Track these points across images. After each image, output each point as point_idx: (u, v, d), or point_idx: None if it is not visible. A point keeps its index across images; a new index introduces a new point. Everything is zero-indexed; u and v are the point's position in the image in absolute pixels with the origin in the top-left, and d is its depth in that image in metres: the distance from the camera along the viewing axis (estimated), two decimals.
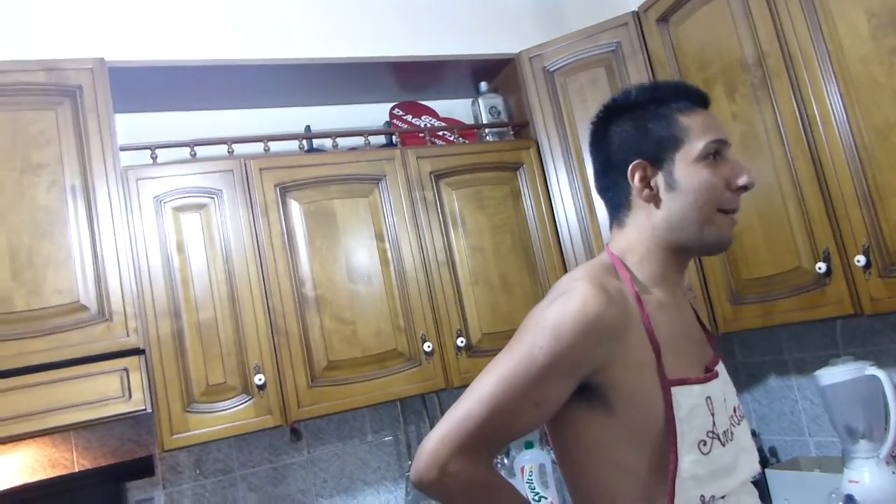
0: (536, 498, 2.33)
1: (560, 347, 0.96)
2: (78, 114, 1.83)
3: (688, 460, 0.98)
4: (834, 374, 1.90)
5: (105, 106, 1.86)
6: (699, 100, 1.11)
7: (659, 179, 1.07)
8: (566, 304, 0.98)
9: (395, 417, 2.33)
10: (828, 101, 1.66)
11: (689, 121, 1.07)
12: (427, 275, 2.10)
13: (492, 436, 0.99)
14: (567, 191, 2.27)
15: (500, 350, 2.09)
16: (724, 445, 1.02)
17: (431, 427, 2.33)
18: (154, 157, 1.96)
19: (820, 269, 1.72)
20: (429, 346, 2.03)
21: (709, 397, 1.03)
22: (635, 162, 1.08)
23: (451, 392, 2.33)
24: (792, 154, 1.77)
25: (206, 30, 2.35)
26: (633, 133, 1.09)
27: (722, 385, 1.09)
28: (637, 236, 1.10)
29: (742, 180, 1.07)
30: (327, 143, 2.26)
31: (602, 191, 1.17)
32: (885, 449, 1.82)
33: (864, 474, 1.85)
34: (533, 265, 2.24)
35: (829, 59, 1.65)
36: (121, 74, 1.95)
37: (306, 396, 1.90)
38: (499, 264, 2.19)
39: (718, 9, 1.92)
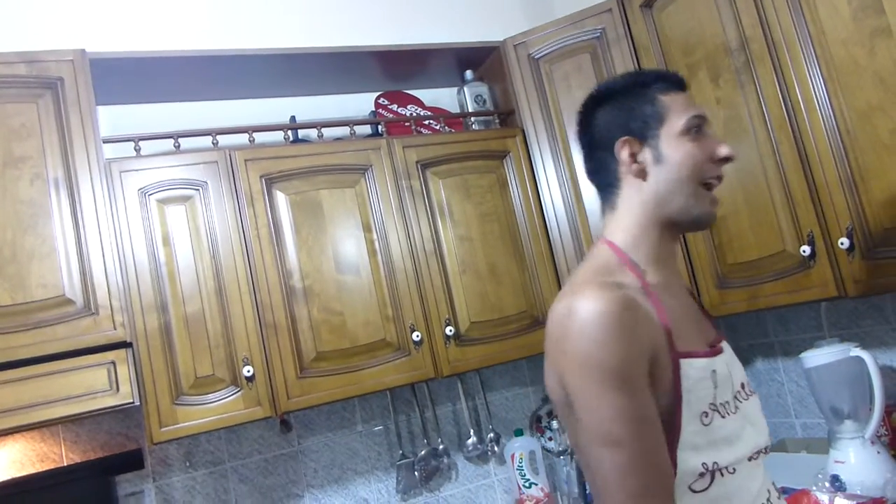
0: (527, 484, 2.34)
1: (617, 358, 0.94)
2: (59, 106, 1.82)
3: (689, 430, 1.00)
4: (819, 357, 1.92)
5: (87, 98, 1.84)
6: (678, 83, 1.16)
7: (646, 154, 1.12)
8: (580, 321, 0.96)
9: (385, 407, 2.33)
10: (810, 85, 1.67)
11: (670, 100, 1.13)
12: (415, 264, 2.10)
13: (658, 476, 0.95)
14: (554, 178, 2.27)
15: (488, 339, 2.12)
16: (723, 417, 1.04)
17: (422, 416, 2.35)
18: (138, 150, 1.95)
19: (804, 252, 1.73)
20: (417, 336, 2.03)
21: (714, 370, 1.05)
22: (622, 138, 1.12)
23: (440, 381, 2.35)
24: (776, 138, 1.78)
25: (190, 20, 2.33)
26: (618, 113, 1.14)
27: (727, 360, 1.12)
28: (629, 215, 1.14)
29: (723, 151, 1.12)
30: (313, 133, 2.25)
31: (591, 174, 1.21)
32: (870, 429, 1.83)
33: (849, 454, 1.87)
34: (521, 253, 2.24)
35: (811, 43, 1.66)
36: (103, 66, 1.93)
37: (295, 387, 1.90)
38: (486, 253, 2.20)
39: None
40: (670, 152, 1.11)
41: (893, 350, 1.97)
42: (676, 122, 1.11)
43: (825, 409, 1.94)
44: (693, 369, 1.03)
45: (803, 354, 1.96)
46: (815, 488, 1.84)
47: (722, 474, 1.02)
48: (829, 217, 1.68)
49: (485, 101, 2.46)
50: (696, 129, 1.12)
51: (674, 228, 1.14)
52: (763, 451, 1.12)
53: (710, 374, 1.05)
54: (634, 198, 1.13)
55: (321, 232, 2.02)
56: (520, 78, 2.32)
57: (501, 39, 2.37)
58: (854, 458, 1.86)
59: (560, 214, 2.26)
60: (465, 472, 2.41)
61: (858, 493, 1.79)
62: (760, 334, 2.40)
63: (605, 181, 1.17)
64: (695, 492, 1.01)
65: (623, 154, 1.12)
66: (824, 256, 1.70)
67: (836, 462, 1.88)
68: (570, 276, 1.13)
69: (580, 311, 0.97)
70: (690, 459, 1.00)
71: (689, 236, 2.09)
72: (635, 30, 2.18)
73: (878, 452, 1.85)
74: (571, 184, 2.25)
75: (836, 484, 1.84)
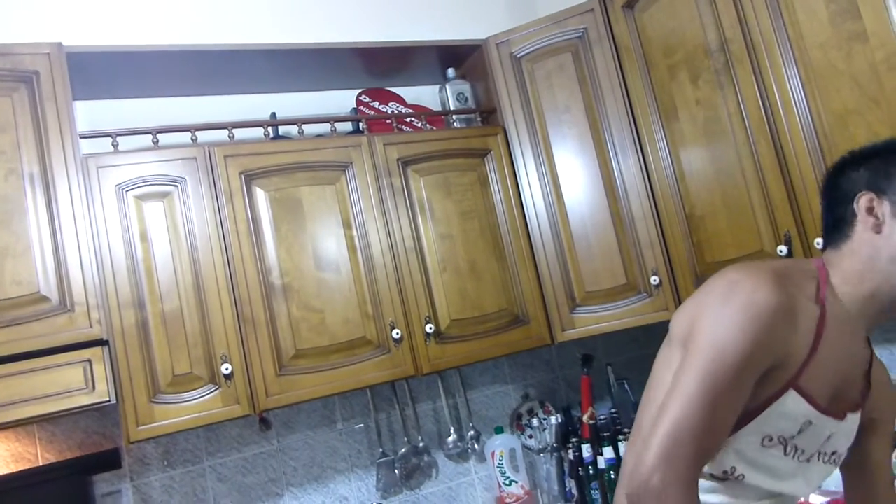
0: (507, 482, 2.35)
1: (747, 347, 0.98)
2: (35, 100, 1.79)
3: (745, 438, 1.04)
4: None
5: (63, 92, 1.82)
6: None
7: (885, 207, 1.07)
8: (735, 302, 1.01)
9: (366, 405, 2.32)
10: (789, 88, 1.69)
11: None
12: (395, 262, 2.10)
13: (708, 448, 1.00)
14: (535, 176, 2.28)
15: (468, 336, 2.13)
16: (785, 455, 1.06)
17: (402, 414, 2.35)
18: (115, 145, 1.93)
19: (781, 252, 1.75)
20: (397, 334, 2.03)
21: (810, 421, 1.06)
22: (865, 192, 1.09)
23: (420, 379, 2.35)
24: (754, 139, 1.80)
25: (169, 14, 2.31)
26: (869, 170, 1.10)
27: (836, 428, 1.11)
28: (851, 259, 1.10)
29: None
30: (293, 130, 2.24)
31: (827, 231, 1.16)
32: None
33: None
34: (501, 251, 2.25)
35: (789, 46, 1.68)
36: (79, 60, 1.91)
37: (274, 385, 1.89)
38: (467, 251, 2.20)
39: None
40: None
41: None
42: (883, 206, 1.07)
43: None
44: (793, 404, 1.04)
45: None
46: None
47: (737, 478, 1.07)
48: (805, 217, 1.70)
49: (467, 100, 2.46)
50: None
51: (883, 303, 1.09)
52: (792, 499, 1.15)
53: (804, 423, 1.06)
54: (865, 248, 1.09)
55: (301, 229, 2.01)
56: (502, 76, 2.32)
57: (484, 38, 2.37)
58: None
59: (541, 213, 2.27)
60: (446, 469, 2.41)
61: (833, 489, 1.81)
62: None
63: (841, 232, 1.12)
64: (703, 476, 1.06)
65: (862, 205, 1.08)
66: (801, 256, 1.72)
67: None
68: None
69: (748, 287, 1.01)
70: (726, 457, 1.05)
71: (669, 236, 2.11)
72: (617, 30, 2.19)
73: None
74: (552, 182, 2.26)
75: None
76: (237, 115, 2.28)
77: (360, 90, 2.45)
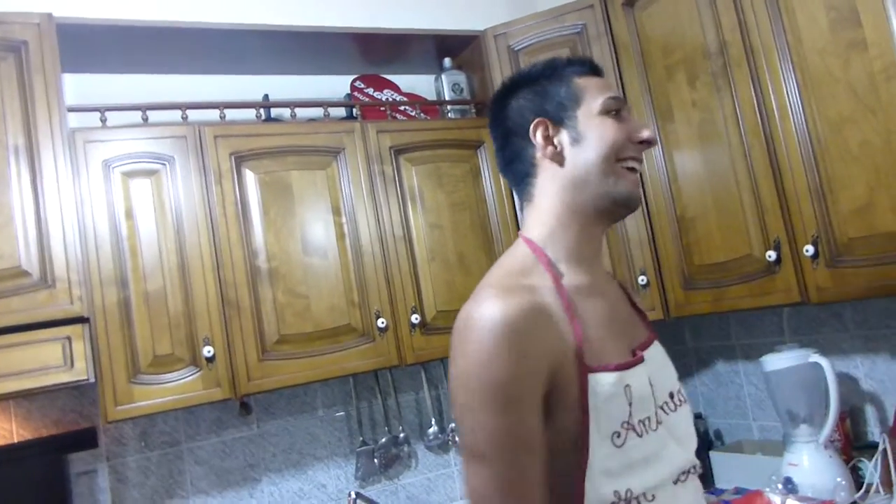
0: None
1: (505, 376, 0.86)
2: (23, 71, 1.75)
3: (601, 454, 0.91)
4: (778, 361, 1.95)
5: (52, 64, 1.78)
6: (593, 68, 1.10)
7: (563, 136, 1.04)
8: (475, 332, 0.88)
9: (347, 393, 2.31)
10: (785, 93, 1.68)
11: (585, 82, 1.07)
12: (383, 250, 2.08)
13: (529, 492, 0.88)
14: None
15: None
16: (640, 436, 0.94)
17: (384, 404, 2.34)
18: (104, 120, 1.89)
19: (770, 257, 1.75)
20: (383, 322, 2.02)
21: (628, 385, 0.95)
22: (536, 120, 1.05)
23: (403, 369, 2.34)
24: (748, 143, 1.79)
25: None
26: (533, 97, 1.07)
27: (651, 370, 1.02)
28: (547, 206, 1.05)
29: (644, 134, 1.05)
30: (285, 113, 2.21)
31: (506, 166, 1.12)
32: (824, 434, 1.87)
33: (803, 458, 1.90)
34: (490, 244, 2.24)
35: (788, 51, 1.67)
36: (70, 31, 1.87)
37: (256, 370, 1.87)
38: (456, 242, 2.18)
39: None
40: (588, 131, 1.03)
41: (850, 357, 2.01)
42: (593, 102, 1.04)
43: (782, 412, 1.97)
44: (602, 386, 0.92)
45: (763, 358, 1.99)
46: (768, 489, 1.88)
47: (639, 502, 0.93)
48: (796, 224, 1.70)
49: (462, 90, 2.44)
50: (615, 112, 1.05)
51: (596, 217, 1.05)
52: (690, 470, 1.02)
53: (622, 391, 0.94)
54: (551, 186, 1.05)
55: (290, 213, 1.99)
56: (498, 69, 2.30)
57: (482, 29, 2.35)
58: (807, 462, 1.89)
59: None
60: (425, 460, 2.40)
61: (810, 495, 1.82)
62: (723, 336, 2.44)
63: (521, 171, 1.09)
64: None
65: (538, 136, 1.05)
66: (789, 263, 1.72)
67: (790, 465, 1.92)
68: (483, 277, 1.03)
69: (477, 319, 0.89)
70: (602, 487, 0.91)
71: (659, 236, 2.11)
72: (616, 27, 2.18)
73: (831, 457, 1.89)
74: None
75: (789, 486, 1.88)
76: (229, 95, 2.25)
77: (354, 76, 2.42)
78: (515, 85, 1.10)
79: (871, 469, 1.86)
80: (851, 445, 1.97)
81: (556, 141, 1.04)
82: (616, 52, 2.18)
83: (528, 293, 0.94)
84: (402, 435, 2.35)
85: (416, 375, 2.42)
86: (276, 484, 2.18)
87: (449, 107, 2.40)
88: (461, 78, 2.45)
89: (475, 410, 0.88)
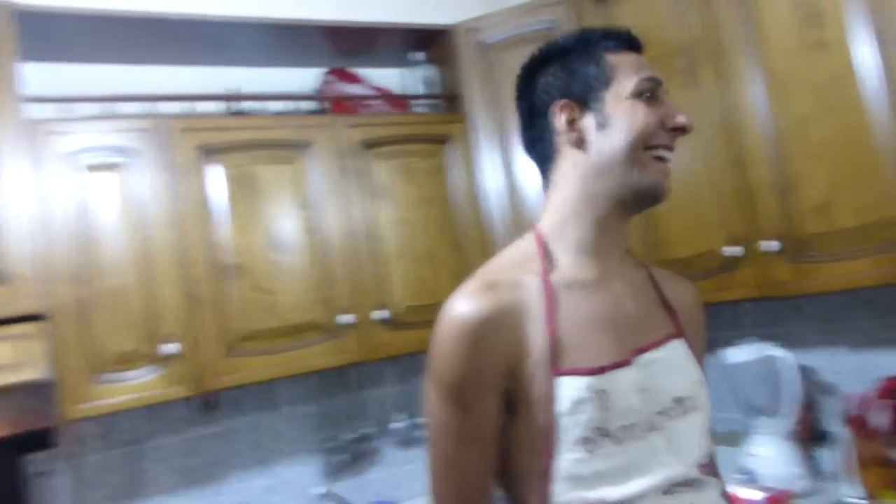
0: None
1: (455, 372, 0.89)
2: None
3: (568, 459, 0.88)
4: (739, 354, 1.99)
5: (10, 52, 1.72)
6: (630, 42, 1.01)
7: (588, 121, 0.97)
8: (441, 324, 0.91)
9: (314, 389, 2.29)
10: (751, 91, 1.72)
11: (619, 59, 0.98)
12: (351, 246, 2.07)
13: (460, 494, 0.92)
14: (495, 167, 2.26)
15: (422, 323, 2.11)
16: (619, 444, 0.90)
17: (351, 399, 2.32)
18: (66, 112, 1.84)
19: (734, 252, 1.78)
20: (349, 318, 2.01)
21: (603, 390, 0.90)
22: (561, 103, 0.98)
23: (370, 364, 2.32)
24: (714, 140, 1.82)
25: None
26: (559, 75, 1.00)
27: (651, 372, 0.95)
28: (565, 194, 0.99)
29: (680, 119, 0.97)
30: (253, 106, 2.18)
31: (529, 147, 1.06)
32: (784, 425, 1.92)
33: (763, 449, 1.95)
34: (457, 240, 2.24)
35: (755, 50, 1.70)
36: (31, 19, 1.81)
37: (221, 366, 1.84)
38: (426, 238, 2.18)
39: None
40: (618, 115, 0.95)
41: (810, 350, 2.05)
42: (626, 83, 0.96)
43: (743, 404, 2.02)
44: (569, 390, 0.88)
45: (725, 351, 2.03)
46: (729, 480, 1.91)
47: None
48: (758, 220, 1.74)
49: (432, 85, 2.43)
50: (650, 93, 0.96)
51: (616, 208, 0.98)
52: (690, 483, 0.93)
53: (594, 395, 0.89)
54: (572, 172, 0.98)
55: (256, 208, 1.96)
56: (468, 64, 2.30)
57: (453, 23, 2.34)
58: (767, 453, 1.94)
59: (498, 204, 2.26)
60: (392, 456, 2.40)
61: (770, 485, 1.87)
62: None
63: (543, 153, 1.02)
64: None
65: (560, 120, 0.98)
66: (752, 258, 1.76)
67: (750, 455, 1.96)
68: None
69: (445, 314, 0.91)
70: (568, 492, 0.88)
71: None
72: (587, 23, 2.19)
73: (790, 447, 1.93)
74: (511, 174, 2.25)
75: (749, 476, 1.92)
76: (196, 87, 2.20)
77: (324, 69, 2.40)
78: (544, 58, 1.02)
79: (829, 458, 1.92)
80: (811, 436, 2.02)
81: (579, 126, 0.97)
82: None
83: (507, 290, 0.92)
84: (368, 430, 2.34)
85: (384, 370, 2.41)
86: (242, 481, 2.15)
87: (419, 101, 2.39)
88: (432, 72, 2.44)
89: (429, 398, 0.93)
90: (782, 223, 1.69)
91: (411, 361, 2.44)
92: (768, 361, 1.94)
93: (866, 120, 1.51)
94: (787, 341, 2.06)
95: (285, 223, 2.00)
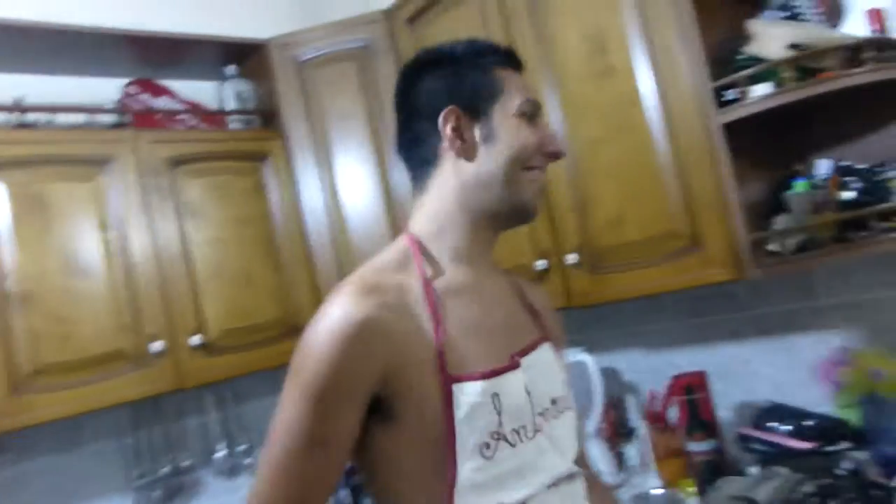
0: None
1: (323, 373, 0.85)
2: None
3: (468, 467, 0.88)
4: None
5: None
6: (517, 62, 1.04)
7: (475, 131, 0.97)
8: (318, 323, 0.88)
9: (124, 422, 2.13)
10: (550, 113, 1.82)
11: (507, 75, 0.99)
12: (160, 268, 1.95)
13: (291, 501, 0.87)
14: (315, 184, 2.23)
15: (241, 347, 2.04)
16: (513, 446, 0.91)
17: (165, 430, 2.18)
18: None
19: (540, 266, 1.87)
20: (160, 345, 1.89)
21: (496, 394, 0.91)
22: (449, 108, 0.96)
23: (188, 392, 2.20)
24: None
25: None
26: (449, 80, 0.98)
27: (531, 375, 0.97)
28: (440, 201, 0.99)
29: (556, 146, 1.02)
30: (43, 118, 1.99)
31: (405, 148, 1.03)
32: (592, 424, 2.04)
33: None
34: (278, 260, 2.18)
35: (551, 74, 1.81)
36: None
37: (7, 406, 1.66)
38: (241, 258, 2.10)
39: (464, 15, 2.00)
40: (502, 131, 0.96)
41: (614, 353, 2.21)
42: (513, 100, 0.97)
43: None
44: (467, 396, 0.88)
45: None
46: None
47: None
48: (560, 235, 1.84)
49: (246, 100, 2.36)
50: (531, 114, 0.99)
51: (490, 220, 1.00)
52: (569, 476, 0.99)
53: (490, 399, 0.90)
54: (451, 180, 0.98)
55: (47, 230, 1.80)
56: (284, 79, 2.26)
57: (267, 38, 2.29)
58: None
59: (320, 222, 2.22)
60: (214, 487, 2.28)
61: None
62: None
63: (421, 158, 1.01)
64: None
65: (447, 127, 0.96)
66: (556, 270, 1.86)
67: None
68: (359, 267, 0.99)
69: (320, 315, 0.88)
70: (473, 501, 0.88)
71: None
72: (401, 43, 2.23)
73: (598, 444, 2.06)
74: (332, 191, 2.23)
75: None
76: None
77: (127, 80, 2.25)
78: (431, 61, 1.01)
79: (634, 453, 2.07)
80: (616, 432, 2.17)
81: (466, 135, 0.97)
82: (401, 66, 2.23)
83: (388, 293, 0.91)
84: (186, 463, 2.21)
85: (204, 398, 2.29)
86: None
87: (233, 117, 2.31)
88: (246, 87, 2.37)
89: (287, 395, 0.88)
90: (581, 237, 1.80)
91: (232, 387, 2.34)
92: (575, 366, 2.06)
93: (649, 141, 1.65)
94: (594, 346, 2.20)
95: (83, 245, 1.85)
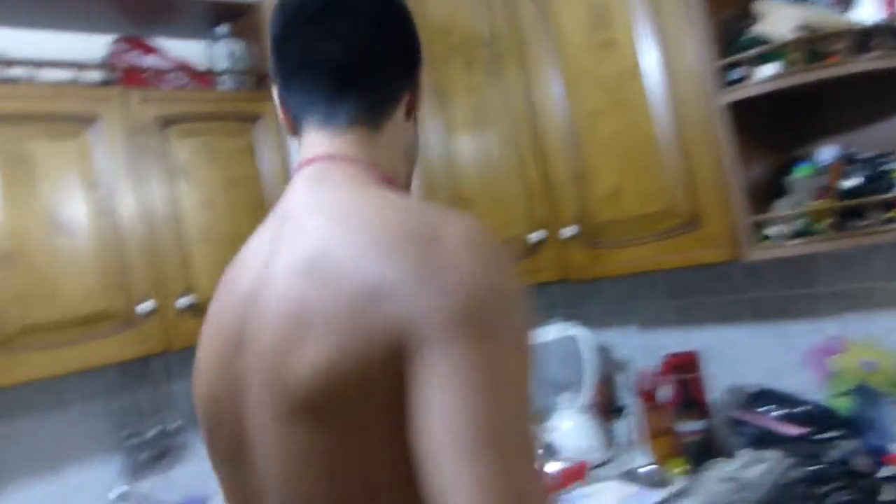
0: None
1: (527, 317, 0.68)
2: None
3: None
4: (546, 334, 2.08)
5: None
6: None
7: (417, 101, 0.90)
8: (497, 256, 0.69)
9: (112, 383, 2.12)
10: (550, 85, 1.77)
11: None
12: (149, 229, 1.92)
13: None
14: None
15: None
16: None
17: (153, 392, 2.17)
18: None
19: (536, 238, 1.84)
20: (148, 306, 1.87)
21: None
22: (419, 73, 0.89)
23: (178, 353, 2.18)
24: (517, 130, 1.87)
25: None
26: (417, 47, 0.89)
27: None
28: (394, 150, 0.88)
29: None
30: (26, 73, 1.93)
31: (371, 71, 0.84)
32: (582, 399, 2.03)
33: (565, 423, 2.05)
34: None
35: (553, 45, 1.75)
36: None
37: None
38: (231, 219, 2.07)
39: None
40: (412, 123, 0.91)
41: (609, 329, 2.18)
42: (419, 92, 0.91)
43: (547, 382, 2.11)
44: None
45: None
46: None
47: None
48: (559, 207, 1.81)
49: (238, 60, 2.29)
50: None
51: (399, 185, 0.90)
52: None
53: None
54: (401, 133, 0.88)
55: (31, 189, 1.76)
56: None
57: None
58: (567, 426, 2.05)
59: None
60: (202, 449, 2.27)
61: (570, 457, 1.97)
62: None
63: (385, 92, 0.86)
64: None
65: (415, 91, 0.89)
66: (553, 243, 1.83)
67: (551, 430, 2.07)
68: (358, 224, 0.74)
69: (492, 239, 0.71)
70: None
71: None
72: None
73: (589, 421, 2.05)
74: None
75: (550, 450, 2.02)
76: None
77: (115, 36, 2.18)
78: (408, 16, 0.88)
79: (624, 430, 2.06)
80: (608, 409, 2.16)
81: (417, 102, 0.89)
82: None
83: None
84: (175, 424, 2.21)
85: (192, 360, 2.27)
86: (21, 493, 1.94)
87: (224, 77, 2.25)
88: (239, 47, 2.30)
89: (488, 356, 0.62)
90: (579, 211, 1.76)
91: None
92: (569, 341, 2.04)
93: (650, 116, 1.60)
94: (589, 321, 2.18)
95: (70, 205, 1.82)
